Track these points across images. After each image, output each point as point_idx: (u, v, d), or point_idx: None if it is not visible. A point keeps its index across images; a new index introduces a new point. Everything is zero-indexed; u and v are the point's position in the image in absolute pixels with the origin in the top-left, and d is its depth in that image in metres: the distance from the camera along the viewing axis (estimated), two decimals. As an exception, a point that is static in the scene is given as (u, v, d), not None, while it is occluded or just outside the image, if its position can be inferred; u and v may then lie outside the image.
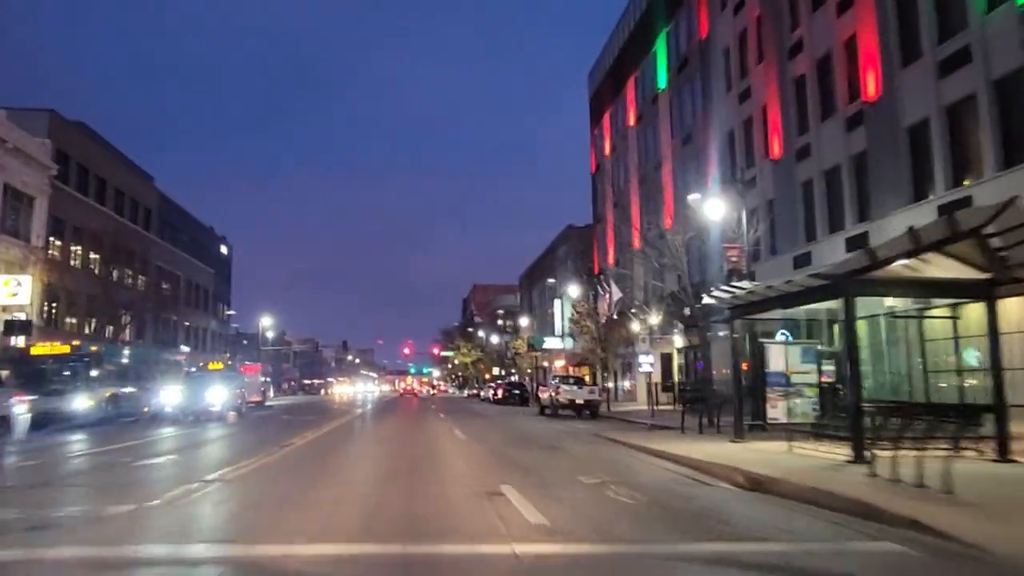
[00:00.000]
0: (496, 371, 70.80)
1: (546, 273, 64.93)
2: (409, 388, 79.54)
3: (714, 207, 17.74)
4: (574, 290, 37.49)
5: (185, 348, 56.04)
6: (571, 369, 46.74)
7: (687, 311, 21.73)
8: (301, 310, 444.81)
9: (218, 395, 26.48)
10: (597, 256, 46.92)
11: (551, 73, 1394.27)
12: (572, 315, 36.49)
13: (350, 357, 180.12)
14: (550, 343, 53.78)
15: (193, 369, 35.98)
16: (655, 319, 32.23)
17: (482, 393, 58.86)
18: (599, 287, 33.51)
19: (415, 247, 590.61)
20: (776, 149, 25.00)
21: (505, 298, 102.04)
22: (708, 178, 29.62)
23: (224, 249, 73.24)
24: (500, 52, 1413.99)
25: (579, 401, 26.91)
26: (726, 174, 27.45)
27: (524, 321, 54.70)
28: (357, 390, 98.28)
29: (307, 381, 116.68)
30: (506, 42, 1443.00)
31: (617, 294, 33.55)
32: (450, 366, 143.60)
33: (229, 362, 42.16)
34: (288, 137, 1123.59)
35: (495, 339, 78.76)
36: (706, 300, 15.74)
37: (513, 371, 73.26)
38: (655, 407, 32.29)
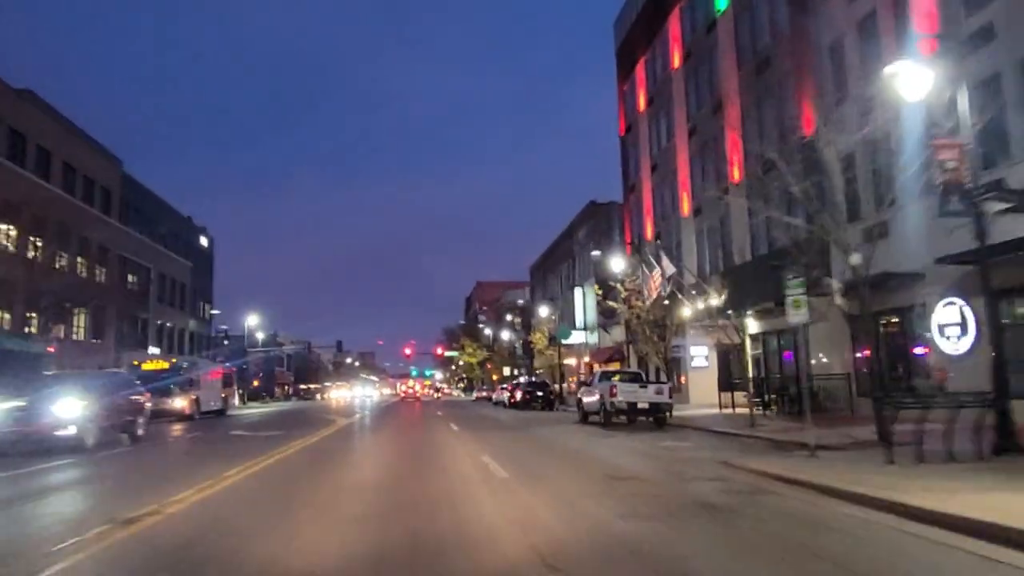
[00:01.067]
0: (507, 371, 63.79)
1: (562, 260, 57.91)
2: (410, 392, 72.56)
3: (916, 79, 10.55)
4: (617, 264, 30.36)
5: (154, 349, 49.00)
6: (596, 367, 39.68)
7: (831, 279, 14.10)
8: (301, 314, 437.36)
9: (71, 409, 15.24)
10: (630, 230, 39.92)
11: (549, 75, 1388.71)
12: (616, 295, 29.36)
13: (349, 360, 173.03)
14: (577, 337, 46.84)
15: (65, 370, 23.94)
16: (716, 300, 25.24)
17: (494, 396, 51.85)
18: (642, 264, 26.41)
19: (417, 250, 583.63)
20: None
21: (513, 293, 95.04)
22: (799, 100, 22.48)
23: (204, 242, 66.26)
24: (502, 57, 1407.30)
25: (642, 405, 19.89)
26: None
27: (544, 311, 47.59)
28: (355, 394, 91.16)
29: (303, 386, 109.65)
30: (507, 48, 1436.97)
31: (670, 269, 26.51)
32: (454, 367, 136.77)
33: (186, 364, 35.00)
34: (288, 143, 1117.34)
35: (506, 336, 71.70)
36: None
37: (523, 370, 66.29)
38: (725, 410, 25.37)
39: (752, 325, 26.18)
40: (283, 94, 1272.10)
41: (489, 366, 70.36)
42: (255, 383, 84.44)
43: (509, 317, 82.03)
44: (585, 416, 23.51)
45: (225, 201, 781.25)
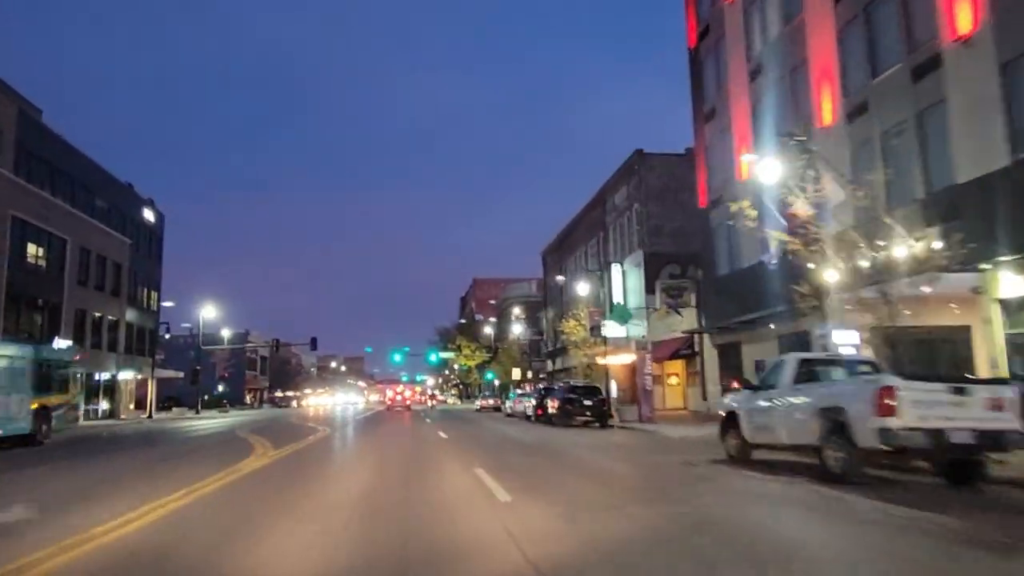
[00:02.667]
0: (515, 373, 52.27)
1: (587, 236, 46.58)
2: (398, 398, 60.08)
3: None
4: (773, 169, 18.47)
5: (63, 343, 37.29)
6: (653, 366, 28.40)
7: None
8: (288, 319, 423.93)
9: None
10: (707, 176, 28.69)
11: (550, 80, 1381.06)
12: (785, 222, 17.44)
13: (334, 364, 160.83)
14: (611, 328, 35.55)
15: None
16: (912, 244, 14.07)
17: (508, 405, 40.34)
18: (810, 171, 14.92)
19: (407, 254, 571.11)
20: None
21: (517, 287, 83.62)
22: None
23: (150, 216, 54.50)
24: (497, 59, 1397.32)
25: (961, 436, 8.19)
26: None
27: (583, 289, 35.67)
28: (336, 401, 79.29)
29: (279, 393, 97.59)
30: (503, 50, 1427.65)
31: (837, 195, 15.18)
32: (448, 372, 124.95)
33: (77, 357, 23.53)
34: (278, 146, 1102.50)
35: (517, 330, 60.24)
36: None
37: (542, 374, 54.92)
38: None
39: (1007, 283, 14.83)
40: (275, 98, 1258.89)
41: (495, 367, 58.60)
42: (220, 387, 72.64)
43: (517, 311, 70.67)
44: (744, 448, 12.00)
45: (214, 204, 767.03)
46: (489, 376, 78.91)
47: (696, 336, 29.13)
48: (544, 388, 32.30)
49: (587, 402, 24.92)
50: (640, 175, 36.38)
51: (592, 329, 33.08)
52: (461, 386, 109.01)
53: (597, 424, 24.96)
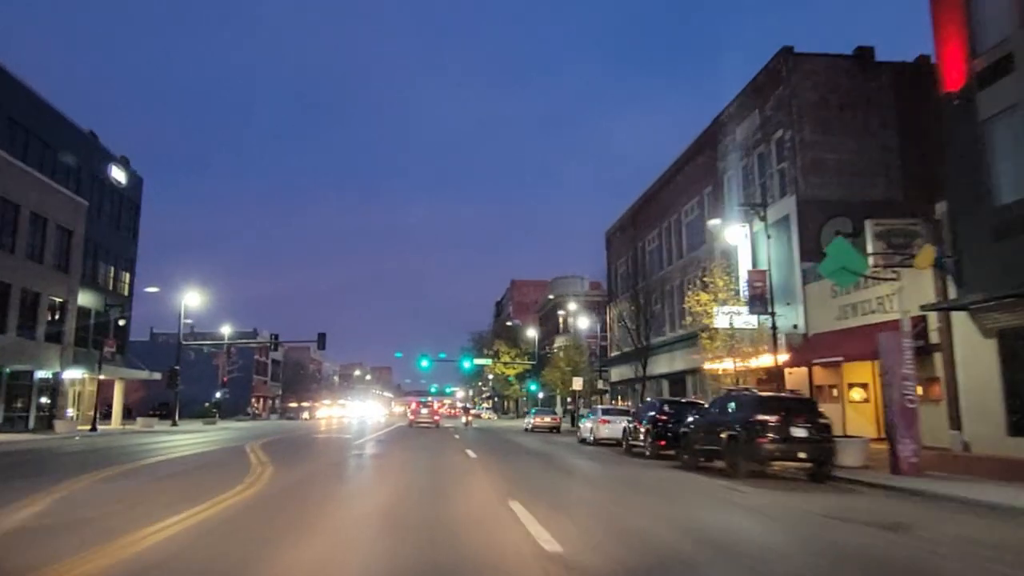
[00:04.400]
0: (577, 384, 39.74)
1: (684, 196, 34.59)
2: (423, 411, 47.86)
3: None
4: None
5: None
6: (818, 372, 15.98)
7: None
8: (328, 328, 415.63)
9: None
10: (961, 43, 16.47)
11: (566, 98, 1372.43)
12: None
13: (358, 372, 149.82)
14: (728, 318, 23.61)
15: None
16: None
17: (585, 427, 28.12)
18: None
19: (443, 267, 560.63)
20: None
21: (567, 283, 71.51)
22: None
23: (120, 176, 43.58)
24: (518, 75, 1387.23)
25: None
26: None
27: (739, 233, 23.02)
28: (350, 413, 67.76)
29: (293, 403, 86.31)
30: (524, 65, 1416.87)
31: None
32: (481, 384, 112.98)
33: None
34: (308, 161, 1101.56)
35: (583, 324, 48.05)
36: None
37: (605, 384, 43.11)
38: None
39: None
40: (309, 109, 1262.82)
41: (550, 375, 45.98)
42: (219, 394, 61.61)
43: (572, 306, 58.50)
44: None
45: (245, 214, 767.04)
46: (534, 387, 66.85)
47: (937, 318, 16.90)
48: (666, 402, 20.14)
49: (799, 431, 12.68)
50: (791, 85, 24.29)
51: (752, 302, 20.62)
52: (496, 399, 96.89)
53: (812, 473, 12.85)
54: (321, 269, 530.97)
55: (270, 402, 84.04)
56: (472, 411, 68.98)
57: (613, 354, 45.15)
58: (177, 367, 42.97)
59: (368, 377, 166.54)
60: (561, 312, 69.45)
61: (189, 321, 57.07)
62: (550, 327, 71.72)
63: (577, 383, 39.68)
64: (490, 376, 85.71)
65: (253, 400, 78.43)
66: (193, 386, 64.86)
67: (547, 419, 37.05)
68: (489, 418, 76.96)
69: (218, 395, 61.15)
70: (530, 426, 38.04)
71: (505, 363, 71.39)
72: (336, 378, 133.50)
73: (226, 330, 61.17)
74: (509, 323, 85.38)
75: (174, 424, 42.41)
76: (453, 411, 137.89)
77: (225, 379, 62.28)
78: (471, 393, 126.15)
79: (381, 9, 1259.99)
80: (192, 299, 44.12)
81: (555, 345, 59.74)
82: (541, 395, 69.93)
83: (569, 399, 47.64)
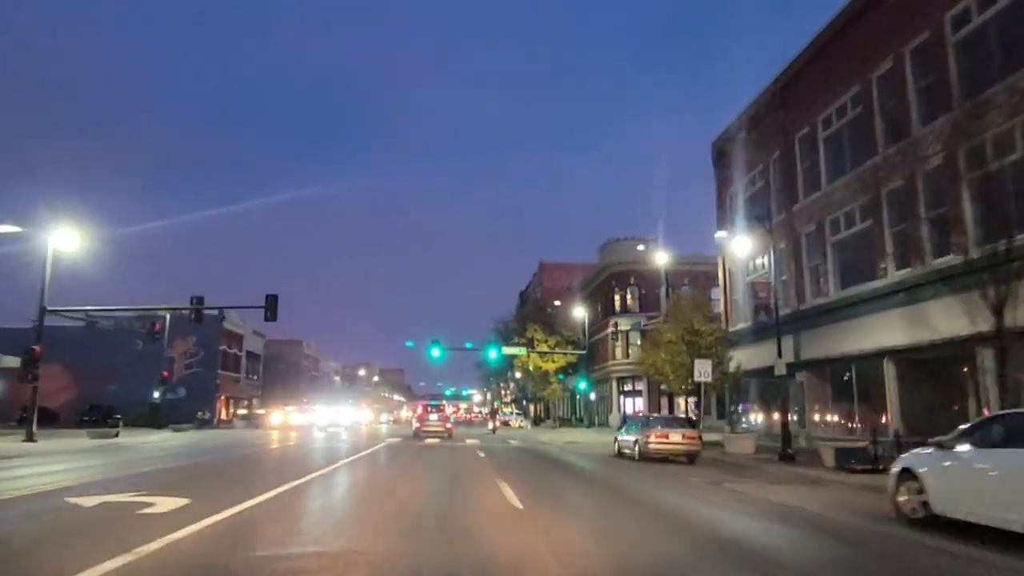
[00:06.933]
0: (703, 370, 22.39)
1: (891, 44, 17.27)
2: (431, 417, 31.99)
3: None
4: None
5: None
6: None
7: None
8: (341, 336, 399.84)
9: None
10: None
11: (590, 104, 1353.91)
12: None
13: (363, 372, 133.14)
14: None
15: None
16: None
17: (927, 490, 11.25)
18: None
19: (465, 270, 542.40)
20: None
21: (621, 248, 54.19)
22: None
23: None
24: (546, 81, 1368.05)
25: None
26: None
27: None
28: (327, 422, 50.29)
29: (244, 411, 69.03)
30: (552, 71, 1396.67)
31: None
32: (503, 384, 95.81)
33: None
34: (328, 164, 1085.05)
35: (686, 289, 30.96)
36: None
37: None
38: None
39: None
40: (324, 116, 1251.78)
41: (661, 369, 27.37)
42: (156, 395, 44.99)
43: (632, 281, 41.47)
44: None
45: (249, 217, 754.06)
46: (583, 386, 49.74)
47: None
48: None
49: None
50: None
51: None
52: (525, 402, 79.74)
53: None
54: (332, 269, 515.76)
55: (245, 403, 67.38)
56: (501, 417, 51.78)
57: (739, 326, 28.03)
58: (36, 347, 26.56)
59: (376, 378, 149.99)
60: (617, 286, 52.36)
61: (188, 310, 40.73)
62: (602, 307, 54.65)
63: (701, 370, 22.18)
64: (517, 374, 68.83)
65: (220, 401, 61.85)
66: (140, 384, 48.74)
67: (676, 436, 19.14)
68: (520, 426, 59.43)
69: (156, 395, 44.60)
70: (634, 449, 20.63)
71: (542, 353, 54.34)
72: (337, 378, 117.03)
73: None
74: (546, 307, 68.51)
75: (28, 439, 25.91)
76: (470, 416, 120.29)
77: (166, 373, 45.74)
78: (488, 396, 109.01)
79: (394, 13, 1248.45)
80: (64, 241, 27.47)
81: (608, 329, 42.51)
82: (593, 396, 52.85)
83: (690, 399, 30.58)
